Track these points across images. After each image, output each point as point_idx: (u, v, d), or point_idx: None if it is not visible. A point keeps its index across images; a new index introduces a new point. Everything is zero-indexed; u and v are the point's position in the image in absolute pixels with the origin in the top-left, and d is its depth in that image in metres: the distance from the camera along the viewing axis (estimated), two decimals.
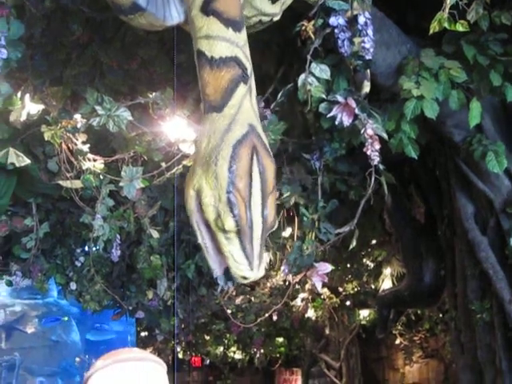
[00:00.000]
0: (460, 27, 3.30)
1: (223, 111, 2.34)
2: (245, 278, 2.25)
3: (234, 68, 2.39)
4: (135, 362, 1.80)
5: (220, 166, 2.20)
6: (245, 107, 2.38)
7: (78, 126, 4.31)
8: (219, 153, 2.23)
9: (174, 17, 2.83)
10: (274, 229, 2.36)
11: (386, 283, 9.44)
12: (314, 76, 3.43)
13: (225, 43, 2.42)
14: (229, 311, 9.01)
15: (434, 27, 3.29)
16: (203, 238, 2.30)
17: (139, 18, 2.83)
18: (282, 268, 4.91)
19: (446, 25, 3.25)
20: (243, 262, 2.21)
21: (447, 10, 3.21)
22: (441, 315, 10.79)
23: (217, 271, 2.32)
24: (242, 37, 2.49)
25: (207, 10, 2.46)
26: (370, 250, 9.05)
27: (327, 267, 4.44)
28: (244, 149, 2.24)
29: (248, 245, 2.20)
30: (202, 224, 2.28)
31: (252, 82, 2.47)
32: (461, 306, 5.58)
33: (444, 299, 6.95)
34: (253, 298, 9.95)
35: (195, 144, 2.44)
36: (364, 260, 9.62)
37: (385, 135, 3.71)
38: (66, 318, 12.61)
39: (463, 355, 5.60)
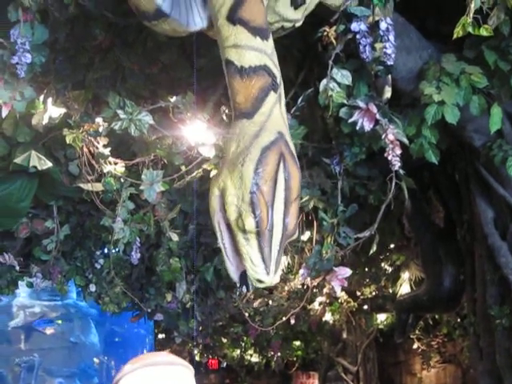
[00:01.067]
0: (484, 32, 3.29)
1: (253, 118, 2.37)
2: (260, 281, 2.25)
3: (263, 76, 2.41)
4: (164, 366, 1.82)
5: (246, 167, 2.23)
6: (274, 115, 2.40)
7: (100, 129, 4.35)
8: (247, 155, 2.26)
9: (198, 23, 2.86)
10: (294, 237, 2.37)
11: (404, 287, 9.42)
12: (336, 81, 3.45)
13: (253, 52, 2.44)
14: (246, 314, 9.01)
15: (457, 32, 3.28)
16: (223, 239, 2.32)
17: (163, 23, 2.86)
18: (301, 272, 4.92)
19: (470, 29, 3.25)
20: (260, 264, 2.22)
21: (471, 15, 3.20)
22: (459, 320, 10.73)
23: (233, 274, 2.33)
24: (270, 45, 2.52)
25: (234, 18, 2.48)
26: (388, 254, 9.03)
27: (347, 271, 4.45)
28: (272, 154, 2.26)
29: (266, 248, 2.21)
30: (223, 224, 2.30)
31: (281, 90, 2.49)
32: (480, 311, 5.56)
33: (463, 304, 6.93)
34: (271, 302, 9.95)
35: (224, 148, 2.48)
36: (382, 264, 9.60)
37: (405, 140, 3.71)
38: (60, 322, 12.64)
39: (482, 361, 5.57)
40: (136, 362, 1.82)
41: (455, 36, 3.30)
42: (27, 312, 12.33)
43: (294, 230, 2.32)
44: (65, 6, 3.68)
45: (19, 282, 7.28)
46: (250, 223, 2.18)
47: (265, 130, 2.33)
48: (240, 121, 2.40)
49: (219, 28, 2.54)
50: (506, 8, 3.62)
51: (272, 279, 2.25)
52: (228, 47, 2.48)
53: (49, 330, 12.45)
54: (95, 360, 13.05)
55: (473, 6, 3.11)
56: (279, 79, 2.48)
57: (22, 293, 11.40)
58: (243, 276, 2.29)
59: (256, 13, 2.51)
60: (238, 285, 2.39)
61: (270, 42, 2.53)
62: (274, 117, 2.40)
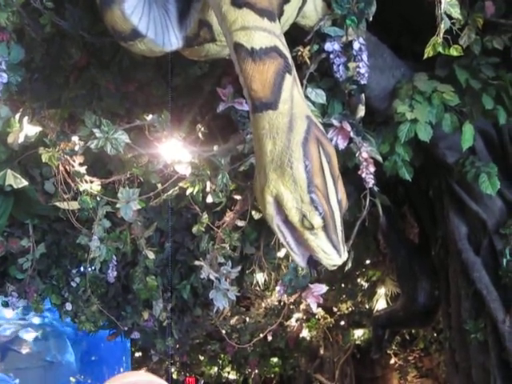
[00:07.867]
0: (454, 52, 3.35)
1: (278, 108, 2.31)
2: (334, 265, 2.33)
3: (276, 59, 2.35)
4: None
5: (296, 169, 2.23)
6: (296, 99, 2.36)
7: (76, 148, 4.36)
8: (291, 155, 2.25)
9: (173, 43, 2.89)
10: (346, 208, 2.40)
11: (380, 303, 9.45)
12: (310, 100, 3.49)
13: (263, 33, 2.38)
14: (223, 331, 8.99)
15: (428, 52, 3.34)
16: (285, 238, 2.35)
17: (139, 44, 2.89)
18: (277, 289, 4.93)
19: (440, 49, 3.31)
20: (332, 252, 2.27)
21: (441, 35, 3.26)
22: (435, 334, 10.79)
23: (301, 263, 2.39)
24: (277, 26, 2.47)
25: (239, 2, 2.43)
26: (364, 269, 9.08)
27: (322, 288, 4.46)
28: (311, 145, 2.27)
29: (334, 235, 2.26)
30: (283, 225, 2.33)
31: (294, 71, 2.43)
32: (455, 326, 5.59)
33: (438, 319, 6.97)
34: (248, 319, 9.95)
35: (254, 145, 2.40)
36: (358, 280, 9.64)
37: (379, 158, 3.75)
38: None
39: (458, 375, 5.60)
40: (115, 381, 1.80)
41: (426, 56, 3.37)
42: (2, 332, 12.23)
43: (345, 202, 2.36)
44: (41, 26, 3.70)
45: None
46: (317, 221, 2.22)
47: (295, 120, 2.30)
48: (266, 113, 2.32)
49: (225, 15, 2.47)
50: (476, 28, 3.70)
51: (344, 258, 2.32)
52: (236, 30, 2.41)
53: (24, 350, 12.34)
54: (71, 379, 12.94)
55: (443, 27, 3.16)
56: (291, 60, 2.41)
57: None
58: (311, 261, 2.35)
59: None
60: (307, 270, 2.60)
61: (278, 24, 2.49)
62: (297, 101, 2.35)
